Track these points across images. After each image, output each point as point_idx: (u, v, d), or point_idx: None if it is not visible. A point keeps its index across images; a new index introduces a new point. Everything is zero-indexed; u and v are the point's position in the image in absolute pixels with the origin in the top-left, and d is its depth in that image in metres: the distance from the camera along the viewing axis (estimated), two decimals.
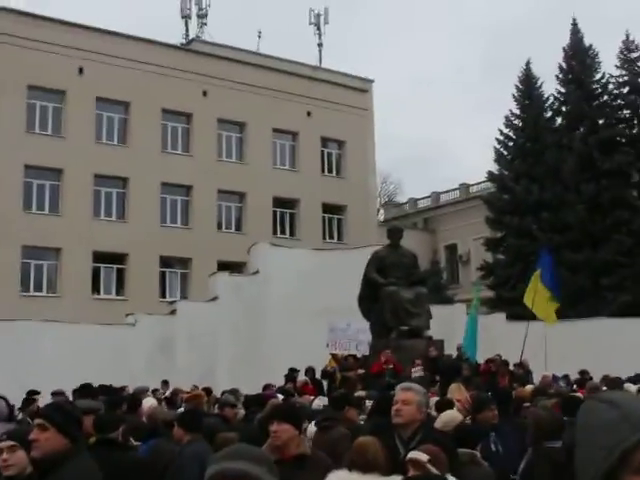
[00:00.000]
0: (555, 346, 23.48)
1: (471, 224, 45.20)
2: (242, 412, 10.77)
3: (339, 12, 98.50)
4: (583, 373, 18.28)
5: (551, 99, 40.23)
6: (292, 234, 40.29)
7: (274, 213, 39.95)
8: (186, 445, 6.67)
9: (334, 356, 20.12)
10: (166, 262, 36.93)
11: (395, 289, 17.46)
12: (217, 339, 24.56)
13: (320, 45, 46.54)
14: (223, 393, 14.15)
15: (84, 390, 10.01)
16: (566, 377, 18.29)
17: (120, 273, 35.75)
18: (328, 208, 41.70)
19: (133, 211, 35.79)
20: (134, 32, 37.18)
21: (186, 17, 43.92)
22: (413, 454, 4.34)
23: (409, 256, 18.77)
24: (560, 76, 39.63)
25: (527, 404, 9.85)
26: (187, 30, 43.91)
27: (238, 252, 31.96)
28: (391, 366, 16.31)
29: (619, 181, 35.66)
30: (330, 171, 42.59)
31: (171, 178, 36.67)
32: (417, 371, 15.92)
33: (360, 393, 11.96)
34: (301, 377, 18.48)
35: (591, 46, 39.32)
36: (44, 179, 34.39)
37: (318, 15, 46.38)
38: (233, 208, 39.40)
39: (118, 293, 35.54)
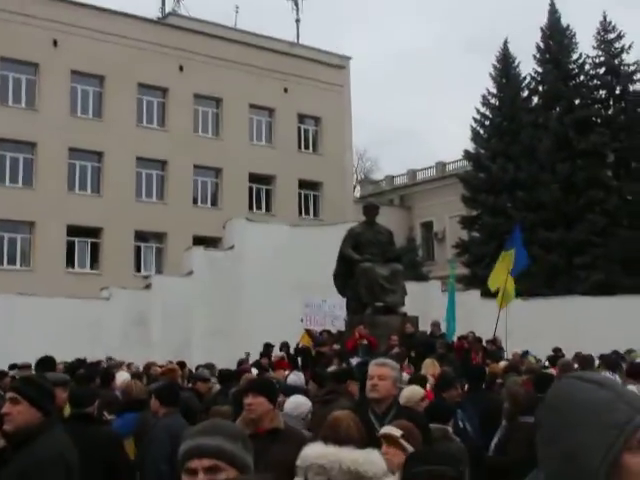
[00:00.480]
0: (528, 323, 23.77)
1: (447, 202, 45.31)
2: (217, 387, 10.82)
3: None
4: (556, 351, 18.45)
5: (528, 78, 40.44)
6: (268, 210, 40.20)
7: (250, 189, 39.79)
8: (161, 418, 6.69)
9: (308, 332, 20.13)
10: (141, 236, 36.73)
11: (370, 265, 17.47)
12: (192, 314, 24.51)
13: (298, 21, 46.41)
14: (198, 367, 14.18)
15: (45, 363, 9.87)
16: (526, 353, 18.49)
17: (95, 247, 35.50)
18: (304, 184, 41.60)
19: (108, 185, 35.47)
20: (110, 5, 36.64)
21: None
22: (386, 429, 4.36)
23: (385, 233, 18.75)
24: (537, 56, 39.76)
25: (500, 380, 9.99)
26: (164, 4, 43.64)
27: (214, 227, 31.85)
28: (365, 342, 16.36)
29: (594, 161, 35.90)
30: (307, 147, 42.46)
31: (146, 152, 36.36)
32: (395, 347, 15.96)
33: (334, 368, 11.99)
34: (276, 352, 18.50)
35: (568, 26, 39.51)
36: (18, 152, 33.98)
37: None
38: (209, 183, 39.21)
39: (92, 267, 35.32)
